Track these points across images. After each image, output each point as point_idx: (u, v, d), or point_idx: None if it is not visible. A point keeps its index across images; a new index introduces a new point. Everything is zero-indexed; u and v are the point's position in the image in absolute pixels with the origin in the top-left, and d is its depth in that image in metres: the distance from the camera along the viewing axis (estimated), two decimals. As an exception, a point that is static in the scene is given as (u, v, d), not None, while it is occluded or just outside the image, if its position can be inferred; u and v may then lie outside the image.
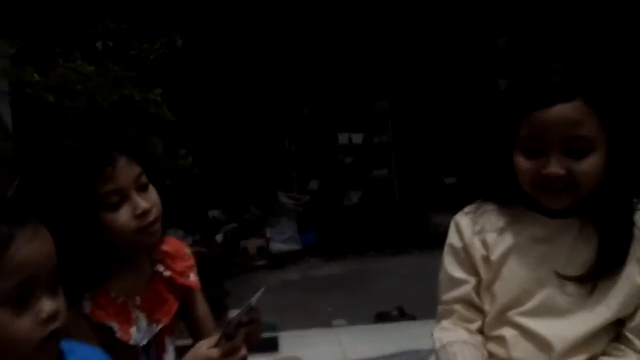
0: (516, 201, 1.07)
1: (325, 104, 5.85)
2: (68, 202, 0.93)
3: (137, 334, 1.04)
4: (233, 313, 1.01)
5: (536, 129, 0.96)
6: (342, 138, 5.87)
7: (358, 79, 5.79)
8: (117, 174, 0.95)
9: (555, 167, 0.95)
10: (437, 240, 5.20)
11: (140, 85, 2.60)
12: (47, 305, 0.70)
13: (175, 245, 1.16)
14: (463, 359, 1.02)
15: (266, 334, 1.34)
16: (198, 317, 1.20)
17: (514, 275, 1.05)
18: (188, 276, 1.15)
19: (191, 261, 1.17)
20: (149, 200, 0.99)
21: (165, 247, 1.14)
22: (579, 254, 1.01)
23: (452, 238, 1.14)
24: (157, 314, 1.09)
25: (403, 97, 5.87)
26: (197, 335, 1.19)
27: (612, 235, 1.00)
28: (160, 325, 1.10)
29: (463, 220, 1.13)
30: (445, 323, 1.13)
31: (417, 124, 5.90)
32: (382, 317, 2.98)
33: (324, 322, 2.96)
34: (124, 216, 0.97)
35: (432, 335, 1.14)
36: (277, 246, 5.03)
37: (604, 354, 1.00)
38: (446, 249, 1.16)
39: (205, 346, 0.95)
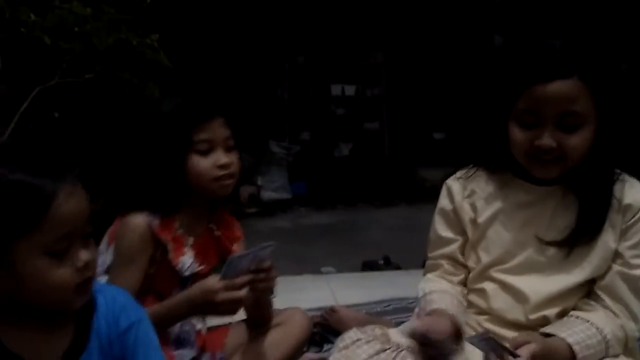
0: (505, 168, 1.14)
1: (320, 54, 5.79)
2: (169, 138, 1.15)
3: (184, 263, 1.20)
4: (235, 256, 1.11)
5: (534, 102, 1.00)
6: (335, 89, 5.85)
7: (353, 30, 5.72)
8: (213, 128, 1.17)
9: (548, 140, 1.00)
10: (423, 194, 5.38)
11: (136, 29, 2.57)
12: (83, 254, 0.77)
13: (230, 218, 1.35)
14: (439, 305, 1.11)
15: None
16: None
17: (498, 237, 1.13)
18: (232, 244, 1.31)
19: (240, 234, 1.34)
20: (230, 159, 1.18)
21: (224, 215, 1.32)
22: (560, 220, 1.09)
23: (443, 201, 1.22)
24: (201, 259, 1.24)
25: (398, 50, 5.83)
26: None
27: (591, 203, 1.06)
28: (200, 268, 1.24)
29: (454, 185, 1.20)
30: (430, 275, 1.23)
31: (410, 78, 5.88)
32: (368, 266, 3.10)
33: (314, 269, 3.08)
34: (207, 162, 1.16)
35: (418, 286, 1.23)
36: (268, 194, 5.11)
37: (575, 308, 1.09)
38: (437, 210, 1.24)
39: (213, 278, 1.08)
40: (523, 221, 1.11)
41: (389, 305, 2.01)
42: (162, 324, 1.13)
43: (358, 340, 1.14)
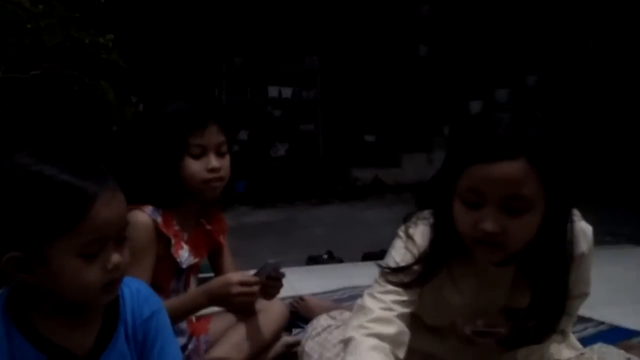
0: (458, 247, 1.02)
1: (257, 56, 5.87)
2: (167, 141, 1.22)
3: (182, 256, 1.28)
4: (268, 262, 1.28)
5: (478, 181, 0.91)
6: (272, 91, 5.96)
7: (290, 34, 5.85)
8: (207, 135, 1.23)
9: (490, 225, 0.91)
10: (356, 193, 5.63)
11: (87, 28, 2.56)
12: (113, 257, 0.81)
13: (218, 212, 1.42)
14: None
15: (204, 275, 1.56)
16: (226, 269, 1.45)
17: (448, 302, 1.07)
18: (219, 235, 1.41)
19: (225, 226, 1.43)
20: (221, 163, 1.25)
21: (213, 210, 1.40)
22: (518, 297, 1.03)
23: (402, 251, 1.09)
24: (195, 253, 1.33)
25: (333, 55, 6.03)
26: None
27: (545, 293, 0.99)
28: (195, 261, 1.33)
29: (417, 242, 1.07)
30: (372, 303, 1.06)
31: (344, 82, 6.12)
32: (313, 260, 3.25)
33: (261, 264, 3.18)
34: (198, 165, 1.23)
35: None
36: (206, 194, 5.11)
37: None
38: (397, 249, 1.10)
39: (233, 273, 1.22)
40: (483, 299, 1.06)
41: (344, 293, 2.17)
42: (179, 316, 1.22)
43: (329, 326, 1.25)
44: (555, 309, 1.00)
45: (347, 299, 2.08)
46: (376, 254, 1.43)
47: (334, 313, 1.34)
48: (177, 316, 1.21)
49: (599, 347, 1.16)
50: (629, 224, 3.96)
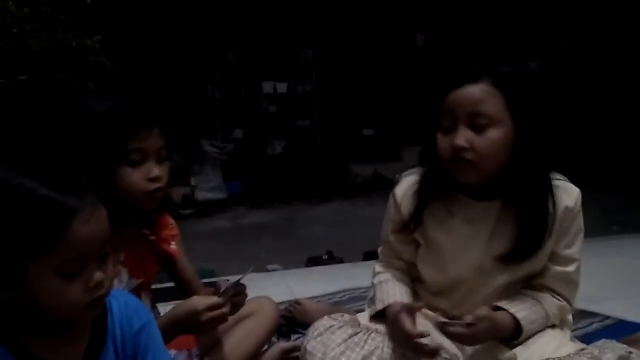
0: (448, 184, 1.17)
1: (250, 52, 5.80)
2: (102, 147, 1.04)
3: (118, 285, 1.13)
4: (224, 283, 1.15)
5: (449, 105, 1.08)
6: (267, 87, 5.90)
7: (283, 28, 5.78)
8: (148, 138, 1.07)
9: (460, 139, 1.06)
10: (357, 189, 5.58)
11: (74, 30, 2.51)
12: (96, 275, 0.78)
13: (163, 218, 1.26)
14: (395, 298, 1.21)
15: (206, 280, 1.48)
16: (185, 280, 1.33)
17: (444, 249, 1.20)
18: (169, 244, 1.25)
19: (175, 232, 1.28)
20: (162, 171, 1.10)
21: (156, 217, 1.23)
22: (500, 235, 1.14)
23: (393, 212, 1.27)
24: (138, 272, 1.19)
25: (328, 48, 5.96)
26: (187, 296, 1.29)
27: (529, 218, 1.11)
28: (139, 282, 1.20)
29: (404, 201, 1.23)
30: (381, 267, 1.32)
31: (340, 75, 6.05)
32: (313, 261, 3.21)
33: (259, 267, 3.14)
34: (139, 174, 1.08)
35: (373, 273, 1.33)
36: (203, 195, 5.08)
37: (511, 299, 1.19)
38: (387, 218, 1.28)
39: (197, 300, 1.09)
40: (467, 235, 1.17)
41: (344, 296, 2.12)
42: None
43: (331, 327, 1.24)
44: (538, 233, 1.10)
45: (348, 302, 2.04)
46: (377, 253, 1.41)
47: (335, 315, 1.32)
48: None
49: (602, 343, 1.16)
50: (637, 214, 3.92)
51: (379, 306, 1.24)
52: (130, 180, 1.07)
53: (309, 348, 1.22)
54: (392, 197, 1.26)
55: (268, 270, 3.13)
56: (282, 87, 5.94)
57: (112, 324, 0.87)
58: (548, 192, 1.12)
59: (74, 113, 1.10)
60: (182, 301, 1.13)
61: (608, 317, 1.88)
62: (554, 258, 1.17)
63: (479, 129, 1.06)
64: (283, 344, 1.47)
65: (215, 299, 1.08)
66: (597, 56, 5.75)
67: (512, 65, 1.11)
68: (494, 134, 1.06)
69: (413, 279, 1.31)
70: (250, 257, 3.42)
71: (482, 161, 1.07)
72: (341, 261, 3.20)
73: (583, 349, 1.15)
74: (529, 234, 1.11)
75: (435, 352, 1.11)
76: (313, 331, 1.26)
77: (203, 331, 1.13)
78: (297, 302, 1.77)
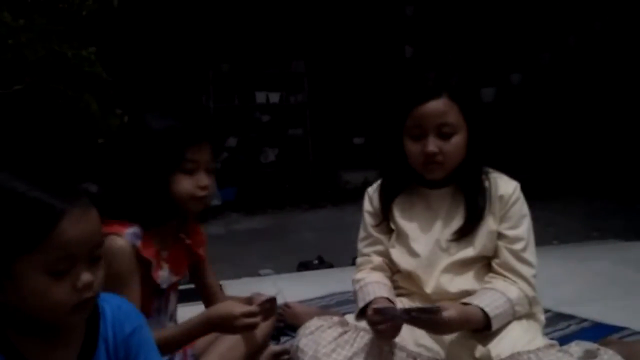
0: (408, 180, 1.40)
1: (244, 62, 5.88)
2: (161, 156, 1.19)
3: (163, 277, 1.26)
4: (257, 296, 1.31)
5: (418, 119, 1.29)
6: (260, 97, 5.96)
7: (275, 39, 5.87)
8: (202, 151, 1.23)
9: (432, 147, 1.28)
10: (347, 196, 5.66)
11: (70, 41, 2.56)
12: (84, 276, 0.79)
13: (196, 225, 1.40)
14: (377, 295, 1.31)
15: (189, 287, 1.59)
16: (207, 284, 1.45)
17: (411, 236, 1.38)
18: (199, 249, 1.39)
19: (204, 238, 1.41)
20: (210, 181, 1.26)
21: (191, 223, 1.38)
22: (453, 215, 1.36)
23: (367, 205, 1.46)
24: (175, 269, 1.31)
25: (319, 59, 6.06)
26: (206, 299, 1.46)
27: (472, 195, 1.34)
28: (176, 279, 1.32)
29: (374, 195, 1.45)
30: (363, 271, 1.44)
31: (331, 85, 6.14)
32: (304, 266, 3.26)
33: (252, 272, 3.19)
34: (190, 181, 1.22)
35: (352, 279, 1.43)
36: (196, 201, 5.10)
37: (484, 282, 1.33)
38: (364, 212, 1.46)
39: (235, 305, 1.20)
40: (426, 218, 1.38)
41: (332, 299, 2.18)
42: (176, 346, 1.21)
43: (321, 326, 1.31)
44: (480, 210, 1.33)
45: (335, 305, 2.10)
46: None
47: (324, 317, 1.39)
48: (175, 345, 1.21)
49: (574, 344, 1.24)
50: (617, 219, 4.00)
51: (361, 304, 1.32)
52: (183, 186, 1.21)
53: (300, 345, 1.29)
54: (366, 194, 1.47)
55: (260, 275, 3.19)
56: (275, 97, 6.01)
57: (104, 327, 0.88)
58: (482, 178, 1.36)
59: (134, 128, 1.26)
60: (219, 304, 1.25)
61: (585, 320, 1.93)
62: (503, 238, 1.34)
63: (445, 136, 1.29)
64: (273, 347, 1.52)
65: (252, 307, 1.19)
66: (579, 67, 5.87)
67: (458, 77, 1.34)
68: (457, 139, 1.30)
69: (393, 272, 1.42)
70: (243, 262, 3.48)
71: (449, 161, 1.30)
72: (331, 266, 3.26)
73: (552, 345, 1.22)
74: (472, 211, 1.33)
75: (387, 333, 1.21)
76: (304, 330, 1.33)
77: (234, 333, 1.25)
78: (287, 305, 1.83)
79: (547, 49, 6.03)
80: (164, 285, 1.27)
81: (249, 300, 1.27)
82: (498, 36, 6.00)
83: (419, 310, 1.18)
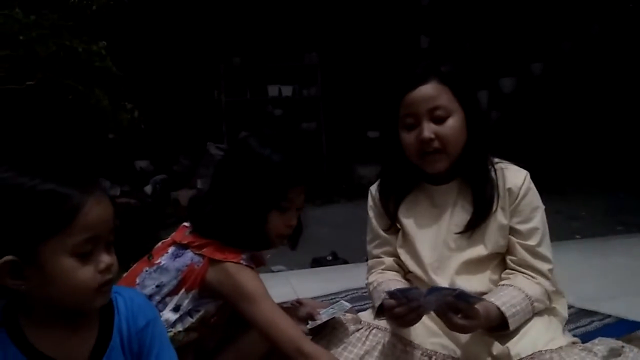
0: (409, 177, 1.35)
1: (255, 55, 5.84)
2: (270, 189, 1.22)
3: None
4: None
5: (409, 106, 1.24)
6: (272, 90, 5.91)
7: (288, 31, 5.82)
8: (301, 194, 1.27)
9: (426, 132, 1.22)
10: (362, 191, 5.54)
11: (80, 36, 2.55)
12: (105, 258, 0.84)
13: None
14: (388, 287, 1.27)
15: None
16: None
17: (417, 234, 1.34)
18: (261, 254, 1.40)
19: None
20: (297, 221, 1.31)
21: None
22: (460, 210, 1.30)
23: (370, 205, 1.42)
24: None
25: (332, 51, 5.99)
26: None
27: (481, 188, 1.27)
28: None
29: (377, 194, 1.40)
30: (371, 277, 1.41)
31: (344, 78, 6.07)
32: (318, 262, 3.24)
33: (265, 268, 3.16)
34: (281, 220, 1.26)
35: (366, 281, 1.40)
36: (209, 197, 5.10)
37: (501, 279, 1.28)
38: (369, 213, 1.42)
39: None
40: (432, 216, 1.32)
41: (346, 296, 2.15)
42: None
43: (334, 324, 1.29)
44: (488, 202, 1.27)
45: (349, 302, 2.04)
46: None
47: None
48: None
49: (598, 340, 1.20)
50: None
51: (377, 303, 1.29)
52: (276, 223, 1.25)
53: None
54: (369, 193, 1.42)
55: (272, 271, 3.16)
56: (287, 90, 5.96)
57: (118, 320, 0.90)
58: (493, 170, 1.29)
59: (245, 154, 1.25)
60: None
61: (609, 316, 1.89)
62: (515, 233, 1.28)
63: (439, 121, 1.23)
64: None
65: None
66: (598, 58, 5.74)
67: (451, 64, 1.28)
68: (452, 122, 1.23)
69: (405, 272, 1.38)
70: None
71: (448, 146, 1.23)
72: (345, 262, 3.23)
73: (574, 342, 1.17)
74: (480, 204, 1.27)
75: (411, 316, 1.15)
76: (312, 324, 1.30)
77: None
78: (298, 302, 1.79)
79: (568, 38, 5.90)
80: None
81: (311, 316, 1.36)
82: (517, 24, 5.88)
83: (458, 295, 1.09)
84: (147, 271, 1.26)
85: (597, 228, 3.51)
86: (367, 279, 1.40)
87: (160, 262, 1.26)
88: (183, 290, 1.23)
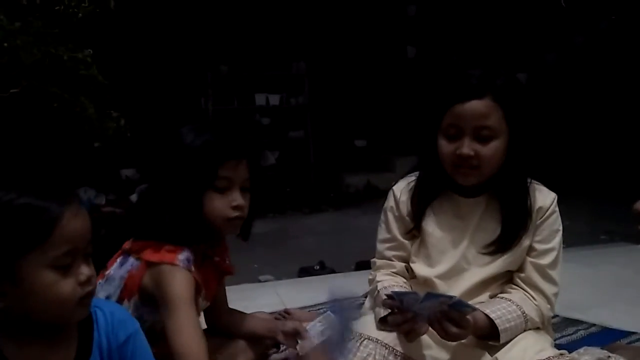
0: (441, 183, 1.30)
1: (243, 64, 5.84)
2: (195, 172, 1.14)
3: (201, 302, 1.21)
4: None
5: (456, 117, 1.19)
6: (260, 99, 5.91)
7: (275, 40, 5.83)
8: (236, 169, 1.17)
9: (466, 149, 1.18)
10: (349, 199, 5.57)
11: (66, 43, 2.53)
12: (85, 270, 0.83)
13: (222, 240, 1.32)
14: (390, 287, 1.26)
15: None
16: (219, 298, 1.35)
17: (436, 243, 1.31)
18: (225, 261, 1.30)
19: (226, 248, 1.33)
20: (245, 201, 1.18)
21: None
22: (485, 227, 1.27)
23: (391, 204, 1.36)
24: (207, 293, 1.23)
25: (319, 60, 6.01)
26: (213, 312, 1.35)
27: (512, 211, 1.24)
28: (206, 305, 1.25)
29: (403, 196, 1.35)
30: (382, 273, 1.37)
31: (332, 87, 6.09)
32: (305, 272, 3.22)
33: (252, 278, 3.14)
34: (223, 201, 1.16)
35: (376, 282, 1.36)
36: (196, 205, 5.06)
37: (502, 292, 1.28)
38: (386, 211, 1.37)
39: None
40: (455, 228, 1.29)
41: (335, 305, 2.13)
42: None
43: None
44: (517, 225, 1.23)
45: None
46: (369, 263, 1.44)
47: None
48: None
49: (583, 350, 1.19)
50: (625, 222, 3.94)
51: (382, 312, 1.25)
52: (214, 205, 1.15)
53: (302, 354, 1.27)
54: (390, 193, 1.37)
55: (260, 281, 3.13)
56: (275, 99, 5.96)
57: (97, 334, 0.88)
58: (527, 192, 1.25)
59: (170, 143, 1.18)
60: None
61: (593, 325, 1.91)
62: (530, 250, 1.26)
63: (483, 140, 1.18)
64: (274, 356, 1.48)
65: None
66: (582, 68, 5.83)
67: (505, 78, 1.23)
68: (495, 144, 1.19)
69: (409, 278, 1.36)
70: (243, 267, 3.42)
71: (484, 167, 1.20)
72: (332, 271, 3.21)
73: (562, 354, 1.17)
74: (510, 226, 1.23)
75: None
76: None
77: None
78: (287, 312, 1.78)
79: (552, 49, 5.98)
80: (201, 310, 1.22)
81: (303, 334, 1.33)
82: (502, 35, 5.95)
83: (454, 305, 1.09)
84: (100, 283, 1.18)
85: (580, 237, 3.55)
86: (375, 275, 1.35)
87: (109, 273, 1.20)
88: (125, 299, 1.16)
